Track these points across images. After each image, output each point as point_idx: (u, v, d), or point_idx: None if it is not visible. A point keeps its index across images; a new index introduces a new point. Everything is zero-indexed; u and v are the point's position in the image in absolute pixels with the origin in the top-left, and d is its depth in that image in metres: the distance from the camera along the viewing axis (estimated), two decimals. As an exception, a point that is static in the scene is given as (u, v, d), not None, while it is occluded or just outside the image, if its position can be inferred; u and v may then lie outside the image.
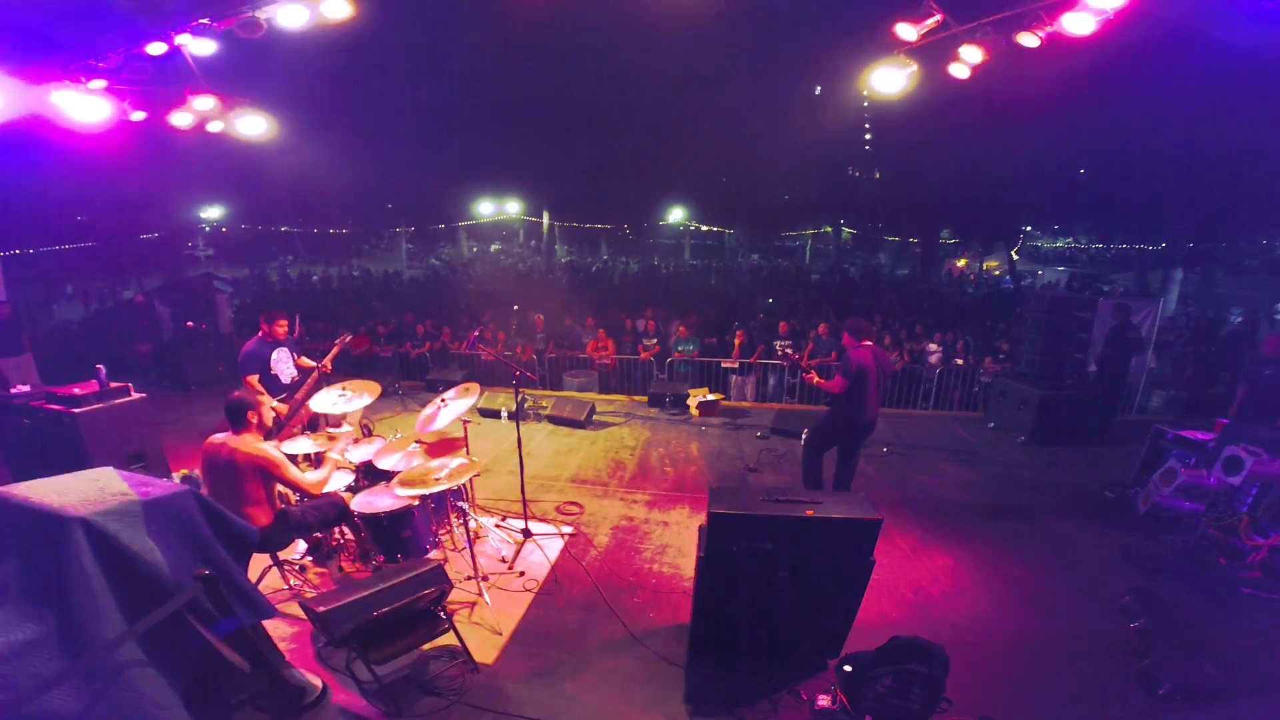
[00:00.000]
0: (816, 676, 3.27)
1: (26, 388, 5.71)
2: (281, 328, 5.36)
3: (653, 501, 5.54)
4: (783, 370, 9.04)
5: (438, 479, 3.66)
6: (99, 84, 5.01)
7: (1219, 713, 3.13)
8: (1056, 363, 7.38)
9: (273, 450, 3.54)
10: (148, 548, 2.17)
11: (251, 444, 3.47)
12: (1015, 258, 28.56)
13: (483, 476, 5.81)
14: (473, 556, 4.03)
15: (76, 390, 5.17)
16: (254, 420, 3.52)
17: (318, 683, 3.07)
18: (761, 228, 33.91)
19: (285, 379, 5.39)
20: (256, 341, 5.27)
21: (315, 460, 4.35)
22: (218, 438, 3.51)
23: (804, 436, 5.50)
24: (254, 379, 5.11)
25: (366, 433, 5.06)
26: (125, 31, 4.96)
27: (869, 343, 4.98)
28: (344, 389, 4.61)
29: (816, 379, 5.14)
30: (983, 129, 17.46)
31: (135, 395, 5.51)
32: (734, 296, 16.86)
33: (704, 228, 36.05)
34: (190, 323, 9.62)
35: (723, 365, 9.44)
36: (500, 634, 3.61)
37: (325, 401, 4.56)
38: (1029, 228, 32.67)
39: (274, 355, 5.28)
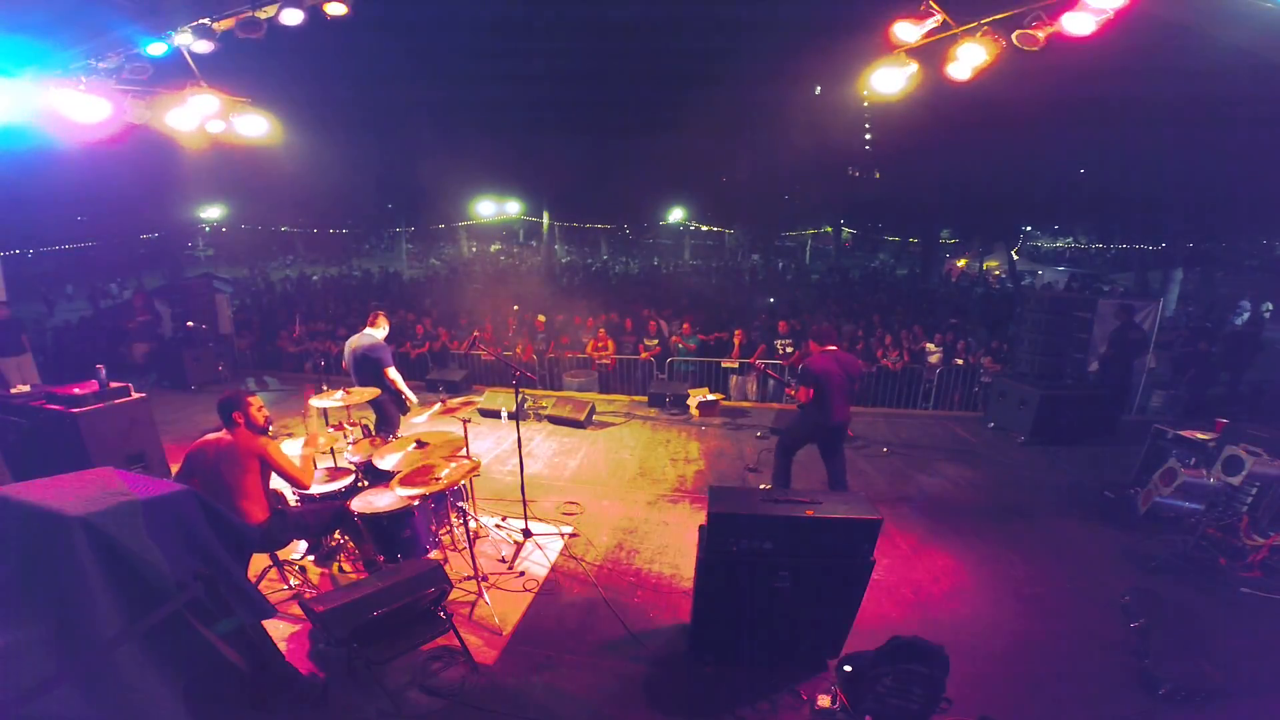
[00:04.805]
0: (816, 676, 3.27)
1: (26, 388, 5.71)
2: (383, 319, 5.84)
3: (653, 501, 5.54)
4: (783, 369, 9.04)
5: (438, 479, 3.66)
6: (99, 84, 5.01)
7: (1219, 713, 3.12)
8: (1056, 363, 7.38)
9: (269, 444, 3.56)
10: (148, 548, 2.17)
11: (247, 438, 3.50)
12: (1015, 258, 28.56)
13: (483, 476, 5.81)
14: (473, 556, 4.03)
15: (76, 390, 5.17)
16: (240, 420, 3.53)
17: (318, 683, 3.08)
18: (761, 228, 33.91)
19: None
20: (386, 339, 5.73)
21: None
22: (209, 437, 3.52)
23: (777, 440, 5.57)
24: (391, 371, 5.57)
25: (365, 433, 5.07)
26: (125, 31, 4.97)
27: (833, 348, 5.08)
28: (347, 390, 4.64)
29: (792, 391, 5.22)
30: (983, 129, 17.44)
31: (135, 395, 5.51)
32: (734, 298, 16.85)
33: (704, 228, 36.06)
34: (190, 323, 9.62)
35: (722, 365, 9.44)
36: (500, 634, 3.61)
37: (327, 401, 4.57)
38: (1029, 228, 32.68)
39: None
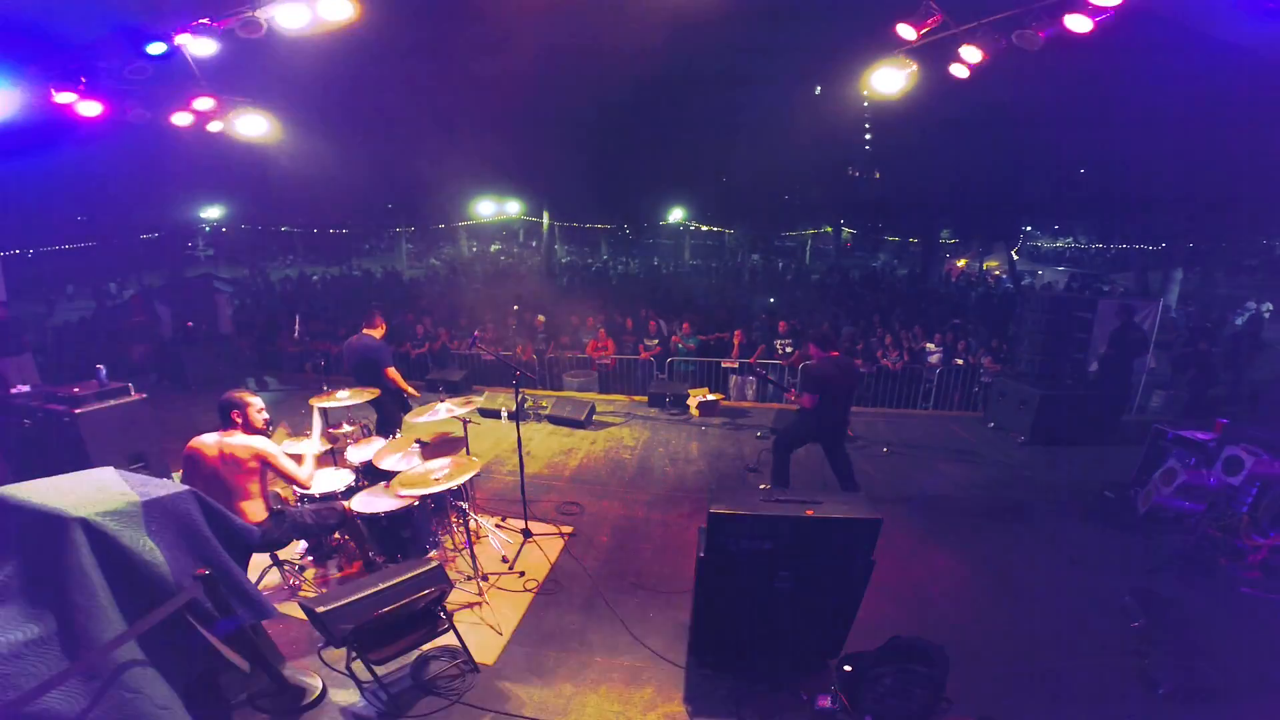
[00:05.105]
0: (816, 676, 3.27)
1: (26, 388, 5.71)
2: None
3: (653, 501, 5.54)
4: (783, 370, 9.05)
5: (437, 479, 3.66)
6: (99, 84, 5.01)
7: (1219, 713, 3.13)
8: (1056, 363, 7.39)
9: (267, 444, 3.52)
10: (148, 548, 2.17)
11: (246, 438, 3.46)
12: (1015, 258, 28.55)
13: (483, 476, 5.81)
14: (473, 556, 4.03)
15: (76, 390, 5.17)
16: (239, 420, 3.51)
17: (318, 683, 3.08)
18: (761, 228, 33.90)
19: None
20: (384, 340, 5.77)
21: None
22: (206, 437, 3.48)
23: (773, 440, 5.58)
24: (391, 370, 5.62)
25: (366, 432, 5.07)
26: (125, 31, 4.97)
27: (835, 354, 5.10)
28: (348, 390, 4.66)
29: (793, 396, 5.26)
30: (983, 129, 17.44)
31: (135, 395, 5.51)
32: (734, 298, 16.83)
33: (704, 228, 36.04)
34: (190, 323, 9.62)
35: (723, 365, 9.44)
36: (500, 634, 3.61)
37: (328, 402, 4.58)
38: (1029, 228, 32.67)
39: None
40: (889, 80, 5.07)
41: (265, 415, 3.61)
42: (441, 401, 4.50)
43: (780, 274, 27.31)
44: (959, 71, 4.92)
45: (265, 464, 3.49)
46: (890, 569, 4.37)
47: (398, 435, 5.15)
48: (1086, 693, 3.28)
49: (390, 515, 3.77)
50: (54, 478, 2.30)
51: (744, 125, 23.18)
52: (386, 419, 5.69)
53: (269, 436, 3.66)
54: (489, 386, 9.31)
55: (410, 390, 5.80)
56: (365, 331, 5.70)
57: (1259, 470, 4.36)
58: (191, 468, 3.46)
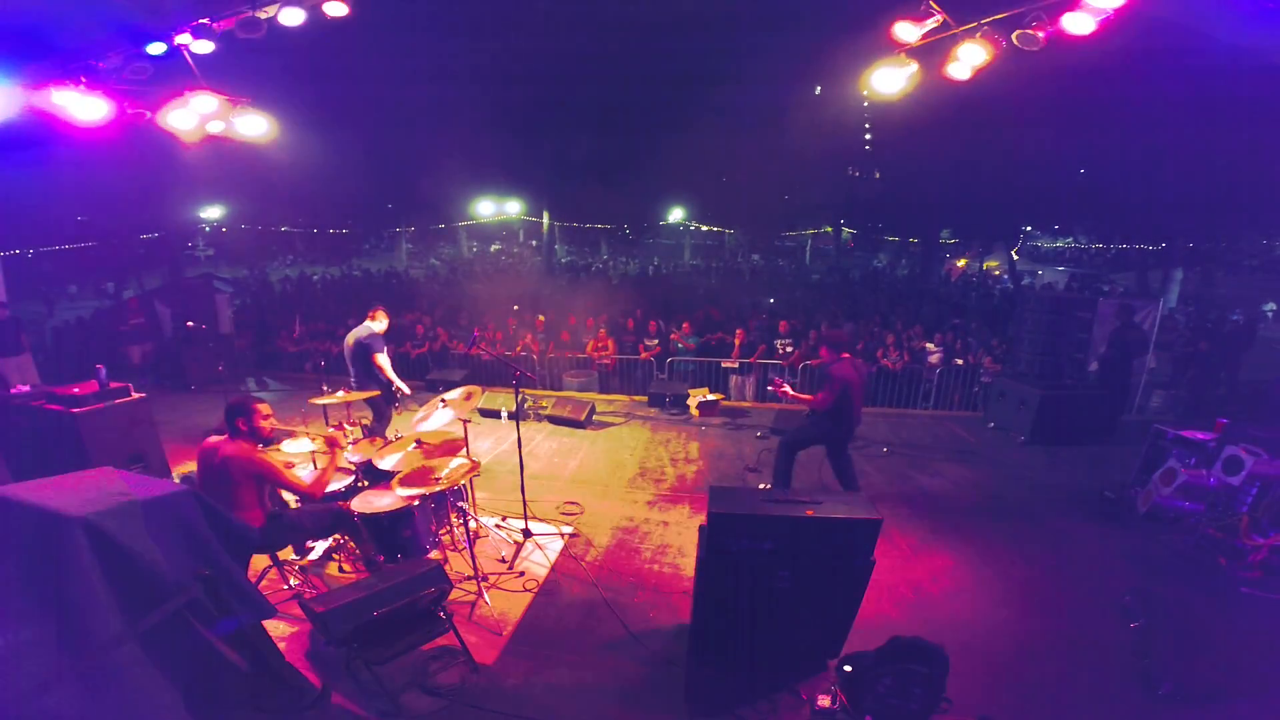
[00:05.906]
0: (816, 676, 3.27)
1: (26, 388, 5.71)
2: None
3: (653, 501, 5.54)
4: (783, 370, 9.05)
5: (438, 479, 3.66)
6: (99, 84, 5.01)
7: (1219, 713, 3.13)
8: (1056, 363, 7.39)
9: (268, 456, 3.50)
10: (148, 548, 2.18)
11: (246, 450, 3.41)
12: (1015, 258, 28.55)
13: (483, 476, 5.81)
14: (473, 556, 4.03)
15: (76, 390, 5.17)
16: (244, 427, 3.47)
17: (318, 683, 3.08)
18: (761, 228, 33.90)
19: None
20: (384, 334, 5.93)
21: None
22: (213, 440, 3.50)
23: (782, 437, 5.57)
24: (380, 357, 5.71)
25: (366, 433, 5.07)
26: (125, 31, 4.97)
27: (847, 355, 5.09)
28: (345, 389, 4.66)
29: (791, 391, 5.25)
30: (983, 129, 17.43)
31: (135, 395, 5.51)
32: (734, 298, 16.83)
33: (704, 228, 36.05)
34: (190, 323, 9.62)
35: (723, 365, 9.44)
36: (500, 634, 3.61)
37: (327, 401, 4.58)
38: (1029, 228, 32.68)
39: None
40: (889, 80, 5.06)
41: (272, 423, 3.59)
42: (442, 402, 4.50)
43: (780, 274, 27.31)
44: (959, 72, 4.92)
45: (265, 479, 3.43)
46: (890, 569, 4.38)
47: (397, 436, 5.14)
48: (1086, 693, 3.28)
49: (390, 515, 3.76)
50: (54, 478, 2.30)
51: (745, 125, 23.18)
52: (380, 417, 5.74)
53: (269, 445, 3.62)
54: (489, 386, 9.31)
55: (399, 385, 5.86)
56: (366, 323, 5.84)
57: (1259, 470, 4.36)
58: (201, 466, 3.47)
